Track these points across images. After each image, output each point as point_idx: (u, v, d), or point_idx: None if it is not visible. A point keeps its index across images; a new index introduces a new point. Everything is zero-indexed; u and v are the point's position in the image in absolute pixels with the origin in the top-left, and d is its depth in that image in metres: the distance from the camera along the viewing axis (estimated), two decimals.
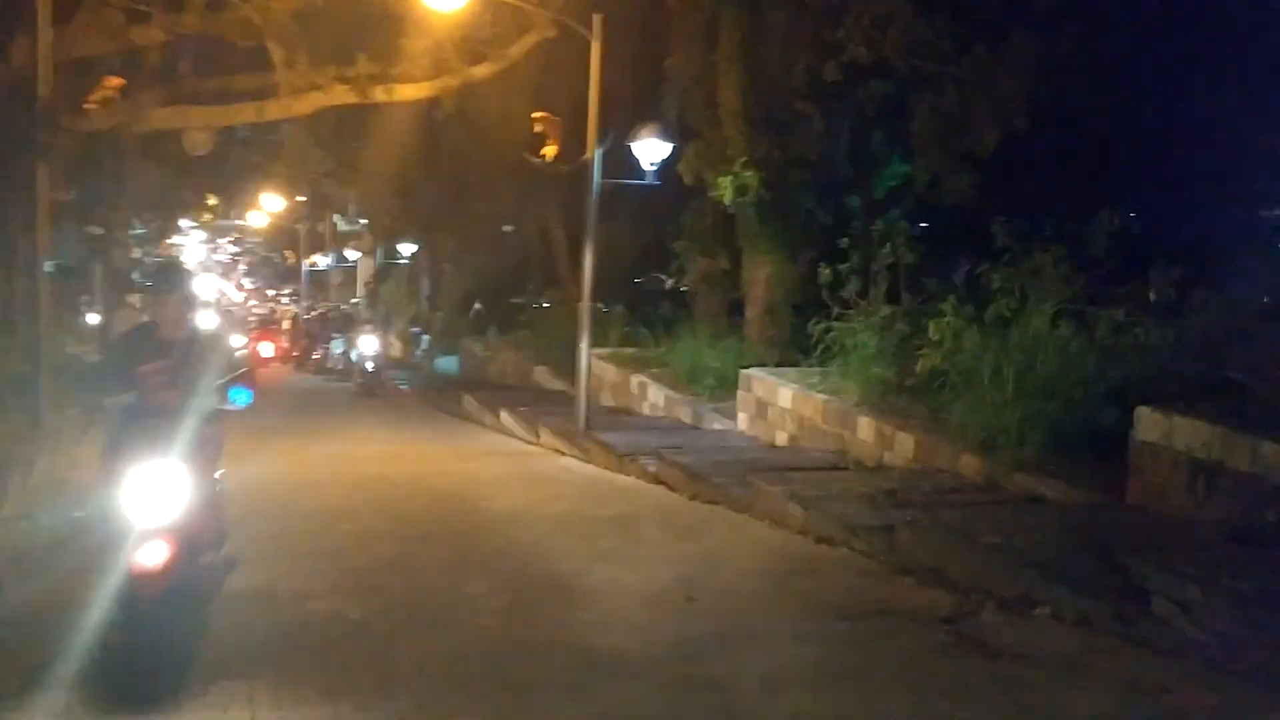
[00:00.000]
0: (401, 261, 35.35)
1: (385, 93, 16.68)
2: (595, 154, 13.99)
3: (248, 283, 64.23)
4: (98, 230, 28.19)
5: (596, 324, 16.71)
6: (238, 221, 47.62)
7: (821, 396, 12.25)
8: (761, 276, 16.43)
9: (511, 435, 15.77)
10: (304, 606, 6.36)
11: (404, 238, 33.66)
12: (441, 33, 16.60)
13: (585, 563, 7.59)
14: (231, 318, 36.21)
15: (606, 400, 17.26)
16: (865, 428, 11.37)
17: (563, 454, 13.78)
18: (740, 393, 13.92)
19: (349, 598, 6.53)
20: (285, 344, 33.38)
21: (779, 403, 13.03)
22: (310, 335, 32.51)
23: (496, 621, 6.16)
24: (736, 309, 17.60)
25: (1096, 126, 14.80)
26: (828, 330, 12.77)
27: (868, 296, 12.82)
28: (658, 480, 11.17)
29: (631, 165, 15.46)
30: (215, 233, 54.81)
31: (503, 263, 34.41)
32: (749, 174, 15.19)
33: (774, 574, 7.41)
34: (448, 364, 27.12)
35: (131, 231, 39.74)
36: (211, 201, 37.65)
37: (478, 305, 31.22)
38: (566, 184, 24.01)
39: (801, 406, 12.63)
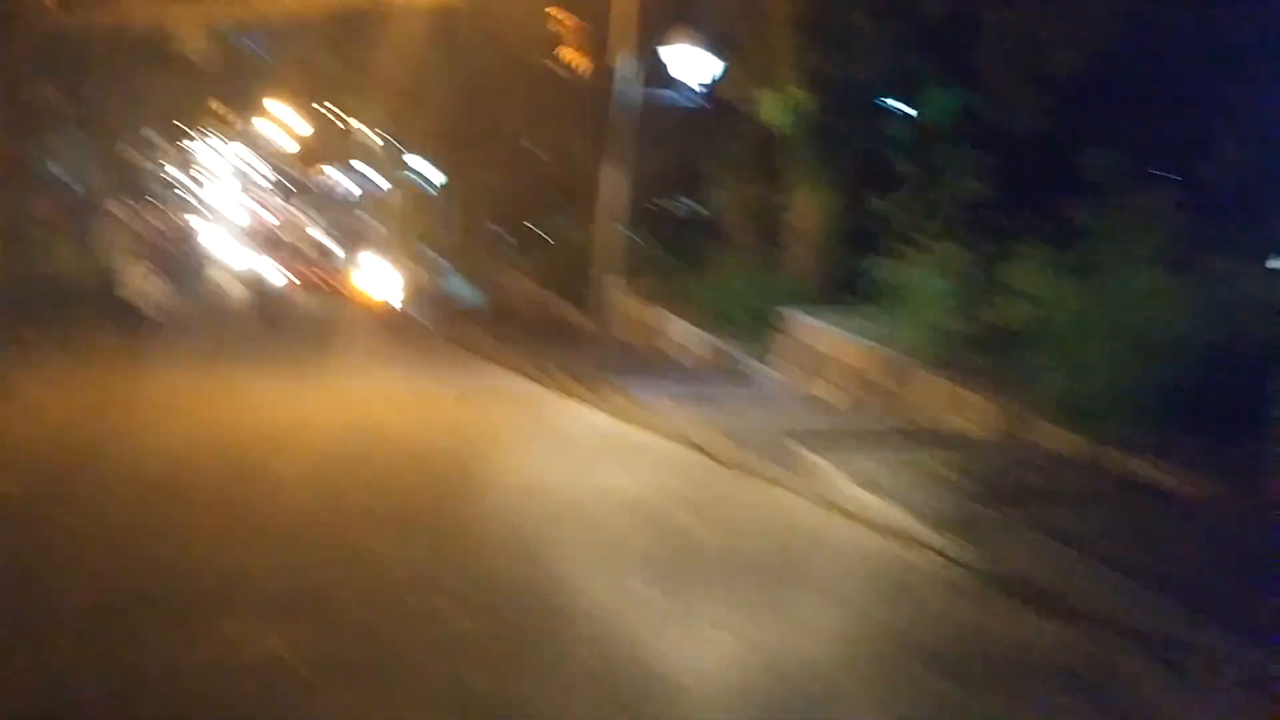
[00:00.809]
0: (416, 176, 33.44)
1: None
2: (621, 62, 12.10)
3: (266, 198, 62.26)
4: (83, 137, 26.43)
5: (620, 253, 15.14)
6: (255, 133, 45.56)
7: (875, 345, 10.52)
8: (805, 206, 14.61)
9: (523, 374, 14.04)
10: (215, 628, 4.68)
11: (420, 152, 31.74)
12: None
13: (595, 577, 5.84)
14: (259, 236, 34.63)
15: (629, 337, 15.53)
16: (928, 386, 9.66)
17: (579, 399, 12.08)
18: (779, 335, 12.20)
19: (273, 620, 4.80)
20: (299, 264, 31.61)
21: (823, 349, 11.32)
22: (323, 254, 30.77)
23: (462, 693, 4.36)
24: (774, 242, 15.80)
25: (1195, 41, 12.82)
26: (882, 269, 11.01)
27: (928, 233, 11.03)
28: (683, 439, 9.47)
29: (663, 78, 13.59)
30: (238, 143, 52.56)
31: (523, 183, 32.55)
32: (798, 92, 13.29)
33: (841, 594, 5.71)
34: (463, 289, 25.37)
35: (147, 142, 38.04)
36: (221, 110, 35.76)
37: (493, 227, 29.38)
38: (591, 98, 22.14)
39: (849, 355, 10.91)
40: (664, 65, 13.11)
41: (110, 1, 14.83)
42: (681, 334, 14.37)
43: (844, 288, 12.93)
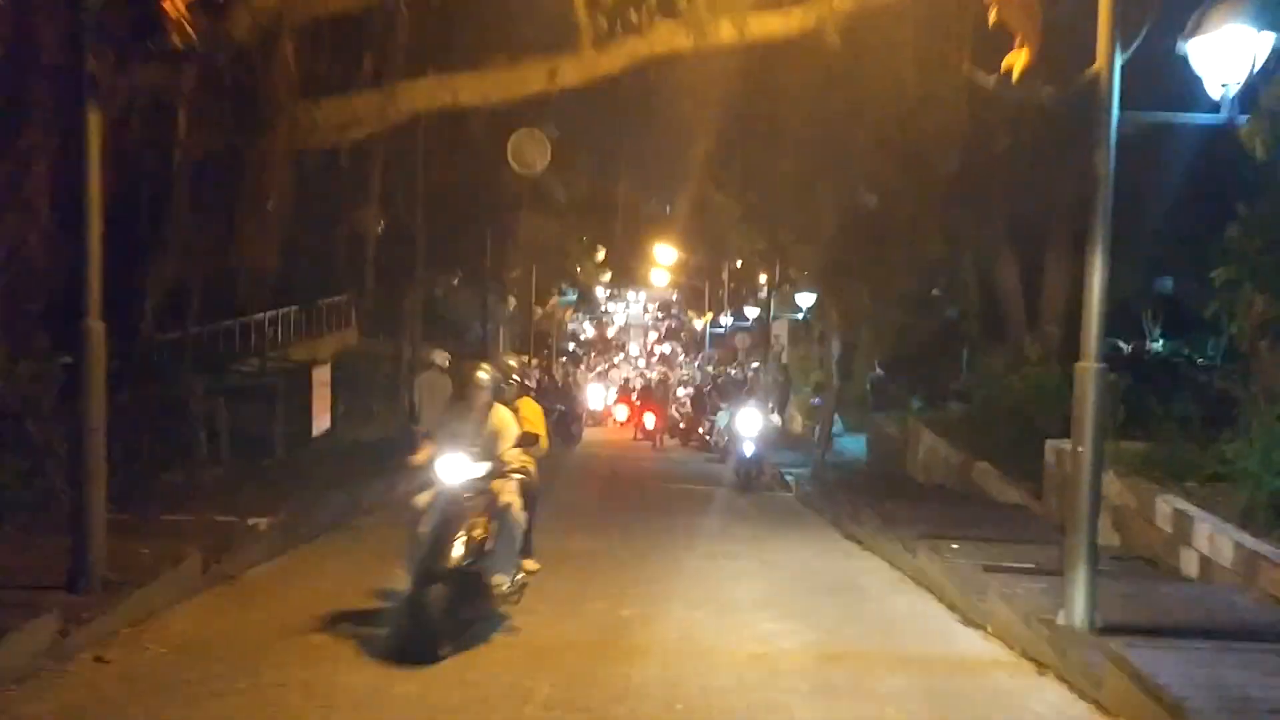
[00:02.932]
0: (802, 317, 28.78)
1: (735, 29, 10.19)
2: (1114, 59, 6.52)
3: (663, 349, 60.07)
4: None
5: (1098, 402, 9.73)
6: (635, 277, 43.07)
7: None
8: None
9: (936, 596, 8.50)
10: None
11: (807, 282, 27.12)
12: None
13: None
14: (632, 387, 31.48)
15: (1105, 535, 9.56)
16: None
17: (1039, 671, 6.42)
18: None
19: None
20: (669, 417, 27.49)
21: None
22: (698, 405, 26.44)
23: None
24: None
25: None
26: None
27: None
28: None
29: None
30: (616, 288, 50.56)
31: (929, 319, 27.32)
32: None
33: None
34: (853, 446, 20.07)
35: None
36: (600, 256, 32.96)
37: (877, 370, 23.89)
38: (1019, 194, 16.61)
39: None
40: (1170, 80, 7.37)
41: (387, 90, 11.12)
42: (1212, 540, 8.25)
43: None
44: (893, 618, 7.99)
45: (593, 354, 53.88)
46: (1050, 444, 11.07)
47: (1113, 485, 9.73)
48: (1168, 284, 23.69)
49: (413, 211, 16.63)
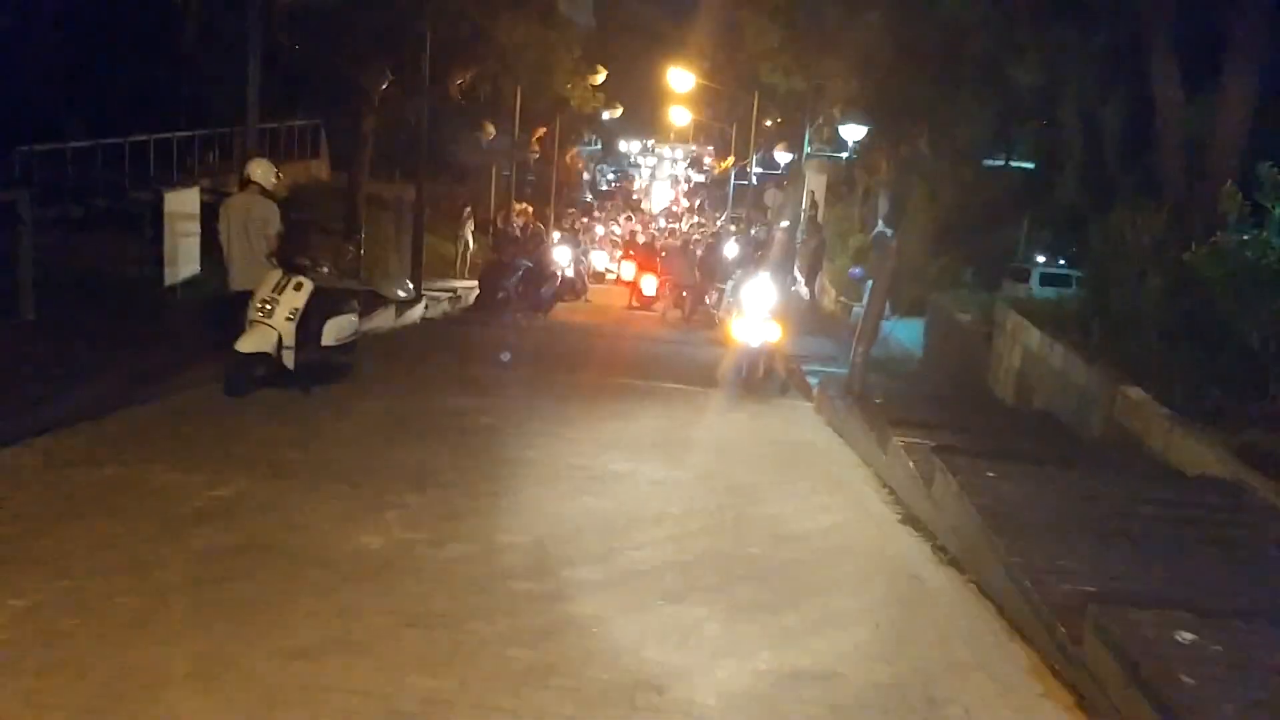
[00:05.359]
0: (846, 156, 22.92)
1: None
2: None
3: (684, 204, 54.12)
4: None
5: None
6: (674, 128, 36.88)
7: None
8: None
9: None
10: None
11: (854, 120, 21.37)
12: None
13: None
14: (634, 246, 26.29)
15: None
16: None
17: None
18: None
19: None
20: (668, 283, 21.97)
21: None
22: (706, 269, 20.84)
23: None
24: None
25: None
26: None
27: None
28: None
29: None
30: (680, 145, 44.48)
31: (1000, 174, 21.79)
32: None
33: None
34: (905, 334, 14.61)
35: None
36: (599, 78, 26.96)
37: (881, 228, 18.13)
38: None
39: None
40: None
41: None
42: None
43: None
44: None
45: (609, 206, 48.06)
46: None
47: None
48: None
49: None
